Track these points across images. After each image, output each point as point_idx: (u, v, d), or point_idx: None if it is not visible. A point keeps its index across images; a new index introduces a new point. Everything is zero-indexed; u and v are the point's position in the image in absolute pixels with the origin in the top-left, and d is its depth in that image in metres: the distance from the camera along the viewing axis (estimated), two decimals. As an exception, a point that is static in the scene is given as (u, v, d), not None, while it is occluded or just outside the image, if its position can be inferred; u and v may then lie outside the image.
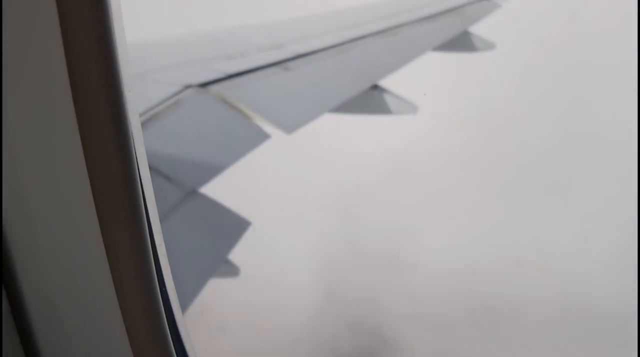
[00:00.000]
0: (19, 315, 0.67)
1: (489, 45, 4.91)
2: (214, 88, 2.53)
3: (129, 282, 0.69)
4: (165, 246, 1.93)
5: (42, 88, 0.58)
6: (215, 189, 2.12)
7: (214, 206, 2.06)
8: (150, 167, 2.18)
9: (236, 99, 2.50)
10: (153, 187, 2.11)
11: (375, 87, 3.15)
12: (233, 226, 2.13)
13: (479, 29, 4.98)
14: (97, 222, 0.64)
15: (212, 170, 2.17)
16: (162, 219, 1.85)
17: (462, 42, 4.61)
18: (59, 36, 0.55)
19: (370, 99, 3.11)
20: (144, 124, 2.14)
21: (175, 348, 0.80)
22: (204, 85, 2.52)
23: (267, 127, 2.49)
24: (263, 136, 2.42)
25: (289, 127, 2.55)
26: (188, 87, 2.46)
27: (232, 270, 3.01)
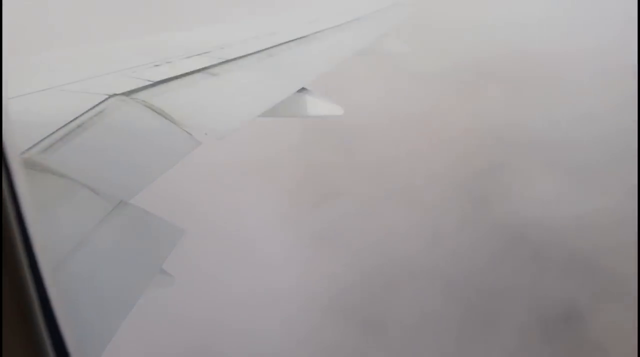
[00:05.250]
0: None
1: (403, 48, 5.17)
2: (140, 95, 2.47)
3: None
4: (98, 259, 1.87)
5: None
6: (146, 199, 2.08)
7: (145, 216, 2.02)
8: (75, 181, 2.11)
9: (163, 106, 2.46)
10: (79, 200, 2.04)
11: (303, 90, 3.23)
12: (167, 235, 2.09)
13: (395, 33, 5.22)
14: None
15: (142, 181, 2.13)
16: (91, 233, 1.79)
17: (380, 46, 4.82)
18: None
19: (297, 102, 3.18)
20: (66, 136, 2.06)
21: None
22: (129, 93, 2.46)
23: (197, 134, 2.47)
24: (193, 143, 2.40)
25: (219, 132, 2.55)
26: (112, 96, 2.40)
27: (167, 280, 2.95)
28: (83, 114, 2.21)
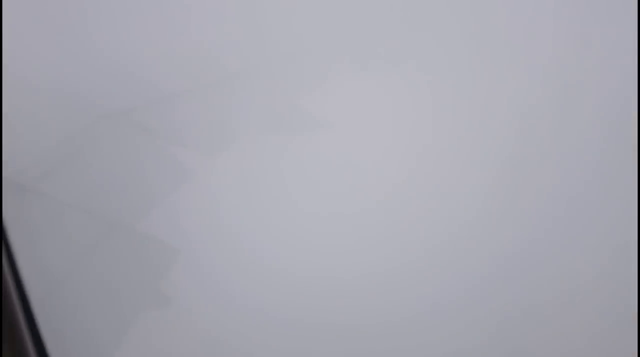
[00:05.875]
0: None
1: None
2: (135, 114, 2.50)
3: None
4: (94, 282, 1.87)
5: None
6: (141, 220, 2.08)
7: (141, 237, 2.04)
8: (72, 205, 2.11)
9: (158, 124, 2.49)
10: (75, 223, 2.04)
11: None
12: (163, 256, 2.10)
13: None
14: None
15: (143, 204, 2.14)
16: (88, 256, 1.80)
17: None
18: None
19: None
20: (63, 160, 2.09)
21: None
22: (124, 112, 2.49)
23: (192, 150, 2.50)
24: (191, 164, 2.40)
25: (214, 147, 2.57)
26: (105, 115, 2.42)
27: (165, 301, 2.93)
28: (78, 134, 2.24)
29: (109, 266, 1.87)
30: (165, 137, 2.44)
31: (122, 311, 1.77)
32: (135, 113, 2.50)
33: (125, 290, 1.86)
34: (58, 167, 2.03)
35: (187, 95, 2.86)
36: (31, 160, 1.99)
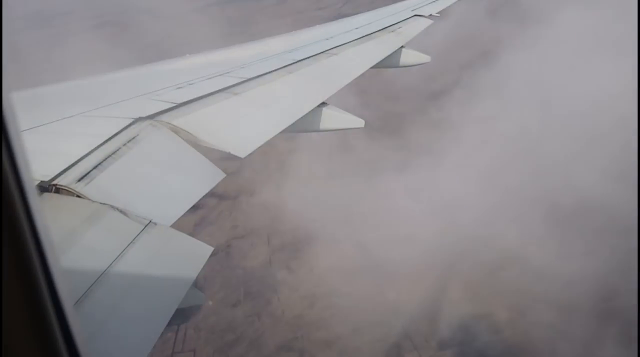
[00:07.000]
0: None
1: (423, 59, 5.14)
2: (165, 118, 2.52)
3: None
4: (130, 277, 1.88)
5: None
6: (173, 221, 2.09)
7: (173, 235, 2.04)
8: (109, 205, 2.12)
9: (188, 127, 2.50)
10: (111, 223, 2.06)
11: (323, 104, 3.24)
12: (196, 253, 2.11)
13: (414, 44, 5.21)
14: None
15: (177, 207, 2.14)
16: (123, 253, 1.82)
17: (399, 58, 4.81)
18: None
19: (319, 117, 3.19)
20: (100, 164, 2.11)
21: None
22: (154, 116, 2.51)
23: (220, 152, 2.50)
24: (217, 175, 2.39)
25: (242, 150, 2.57)
26: (138, 119, 2.44)
27: (198, 297, 2.96)
28: (112, 138, 2.26)
29: (144, 263, 1.90)
30: (199, 139, 2.46)
31: (157, 307, 1.79)
32: (169, 115, 2.52)
33: (161, 288, 1.88)
34: (95, 169, 2.06)
35: (219, 97, 2.88)
36: (69, 163, 2.03)
